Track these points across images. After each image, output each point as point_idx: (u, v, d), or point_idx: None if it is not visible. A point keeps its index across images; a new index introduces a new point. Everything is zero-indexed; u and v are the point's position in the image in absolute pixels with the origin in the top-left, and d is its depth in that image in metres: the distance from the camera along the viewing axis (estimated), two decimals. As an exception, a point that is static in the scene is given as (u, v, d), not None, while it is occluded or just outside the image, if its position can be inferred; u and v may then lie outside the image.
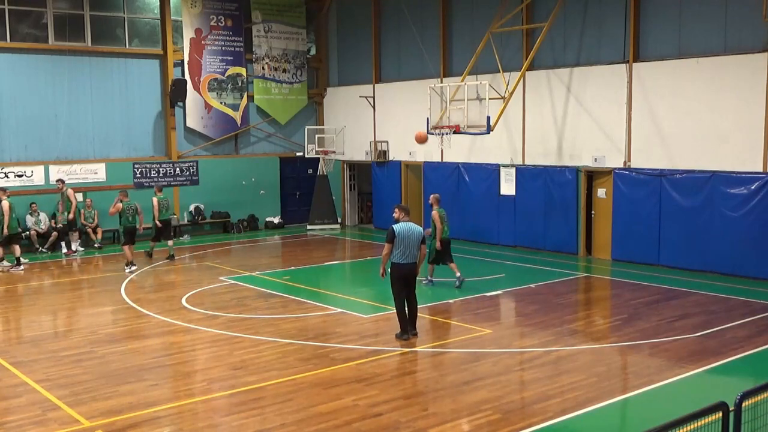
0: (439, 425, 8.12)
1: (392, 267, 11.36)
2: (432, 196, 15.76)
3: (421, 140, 13.57)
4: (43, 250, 20.17)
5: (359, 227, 25.38)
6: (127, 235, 17.70)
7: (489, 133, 17.68)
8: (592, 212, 18.73)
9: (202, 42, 23.29)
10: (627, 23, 17.53)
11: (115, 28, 22.04)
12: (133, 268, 17.52)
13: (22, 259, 18.10)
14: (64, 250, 20.13)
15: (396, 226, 11.34)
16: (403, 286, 11.40)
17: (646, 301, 13.97)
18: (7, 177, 20.28)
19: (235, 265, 18.22)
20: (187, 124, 23.32)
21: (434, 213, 15.21)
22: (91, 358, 10.77)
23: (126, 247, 17.65)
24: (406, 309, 11.51)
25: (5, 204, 17.42)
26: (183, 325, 12.56)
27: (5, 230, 17.47)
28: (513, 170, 20.09)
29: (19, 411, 8.71)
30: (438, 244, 15.04)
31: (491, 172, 20.59)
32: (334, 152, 24.70)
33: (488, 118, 17.25)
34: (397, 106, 23.32)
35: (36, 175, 20.72)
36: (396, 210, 11.81)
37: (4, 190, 17.92)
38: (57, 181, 20.43)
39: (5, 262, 17.88)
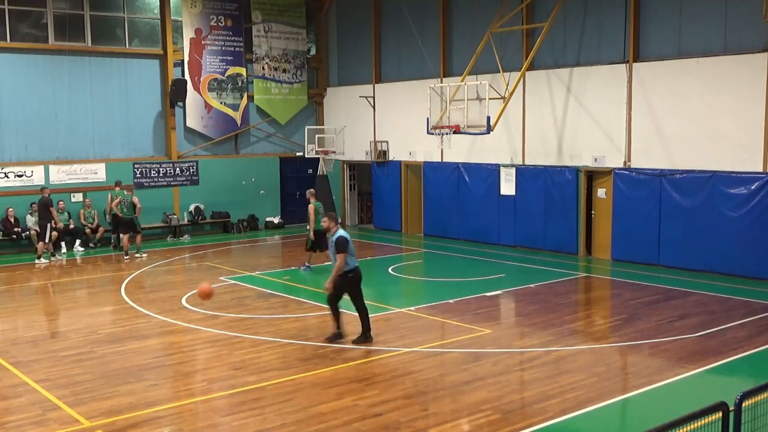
0: (439, 425, 8.12)
1: (350, 273, 11.23)
2: (308, 191, 17.77)
3: (205, 295, 11.89)
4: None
5: (359, 227, 25.38)
6: (120, 226, 19.64)
7: (489, 133, 17.68)
8: (592, 212, 18.73)
9: (202, 42, 23.30)
10: (627, 23, 17.53)
11: (115, 28, 22.04)
12: (126, 258, 19.19)
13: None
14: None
15: (344, 235, 11.18)
16: (357, 289, 11.39)
17: (646, 301, 13.97)
18: (7, 177, 20.28)
19: (235, 265, 18.22)
20: (187, 124, 23.32)
21: (310, 206, 16.94)
22: (91, 358, 10.77)
23: (122, 237, 19.58)
24: (356, 313, 11.49)
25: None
26: (183, 325, 12.56)
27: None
28: (513, 170, 20.09)
29: (19, 411, 8.72)
30: (311, 234, 16.90)
31: (491, 172, 20.59)
32: (334, 152, 24.68)
33: (488, 118, 17.25)
34: (397, 106, 23.32)
35: (36, 175, 20.71)
36: (327, 220, 11.50)
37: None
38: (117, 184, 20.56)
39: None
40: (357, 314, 11.45)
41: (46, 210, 18.93)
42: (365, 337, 11.31)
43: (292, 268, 17.82)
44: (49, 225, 18.95)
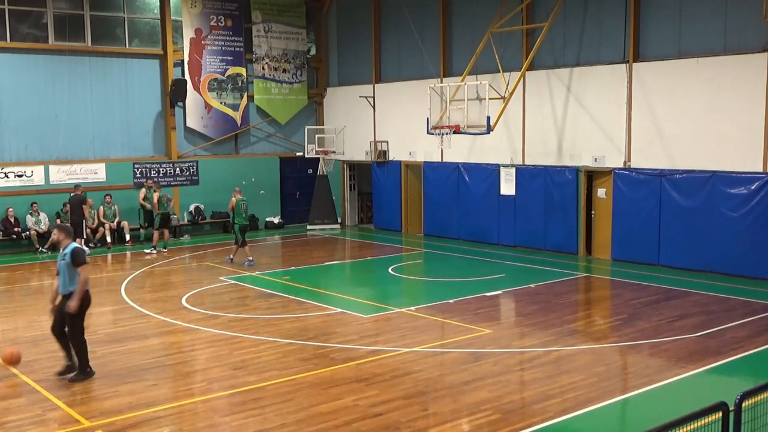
0: (439, 425, 8.12)
1: (87, 294, 9.76)
2: (234, 189, 19.10)
3: (10, 361, 10.09)
4: (43, 250, 20.18)
5: (359, 227, 25.38)
6: (161, 221, 20.51)
7: (489, 133, 17.69)
8: (592, 212, 18.73)
9: (202, 42, 23.29)
10: (627, 23, 17.53)
11: (115, 28, 22.04)
12: (153, 252, 20.00)
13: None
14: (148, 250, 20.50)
15: (81, 246, 9.85)
16: (83, 313, 9.75)
17: (646, 301, 13.97)
18: (7, 177, 20.28)
19: (235, 265, 18.22)
20: (187, 124, 23.32)
21: (232, 200, 18.38)
22: (91, 358, 10.73)
23: (163, 232, 20.50)
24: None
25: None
26: (183, 325, 12.56)
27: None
28: (513, 170, 20.09)
29: (19, 411, 8.71)
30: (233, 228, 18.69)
31: (491, 172, 20.59)
32: (334, 152, 24.70)
33: (488, 118, 17.25)
34: (397, 106, 23.32)
35: (36, 175, 20.72)
36: (57, 232, 10.09)
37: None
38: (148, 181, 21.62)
39: None
40: (71, 345, 9.71)
41: (79, 207, 19.50)
42: (83, 373, 9.71)
43: (292, 268, 17.83)
44: (83, 222, 19.65)
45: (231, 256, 18.58)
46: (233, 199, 18.41)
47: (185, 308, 13.74)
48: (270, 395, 9.10)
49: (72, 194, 19.74)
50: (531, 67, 19.12)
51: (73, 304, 9.49)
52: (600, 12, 18.20)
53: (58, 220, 20.56)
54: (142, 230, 21.74)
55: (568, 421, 8.22)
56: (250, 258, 18.27)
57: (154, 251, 20.04)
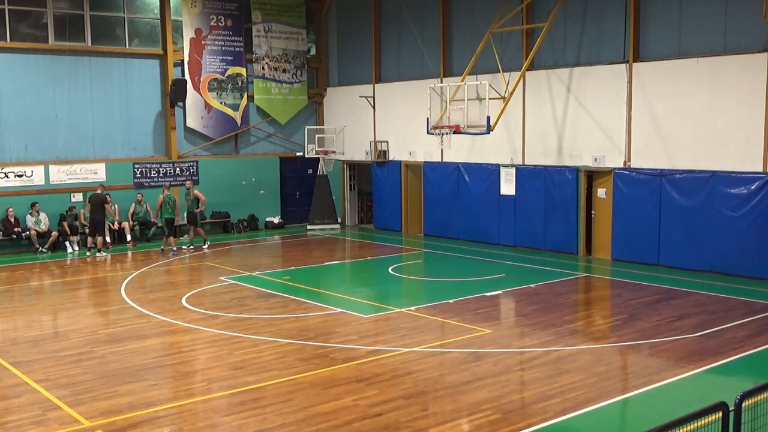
0: (439, 425, 8.12)
1: None
2: (164, 185, 20.53)
3: None
4: (43, 250, 20.17)
5: (359, 227, 25.38)
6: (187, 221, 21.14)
7: (489, 133, 17.69)
8: (592, 212, 18.73)
9: (202, 42, 23.29)
10: (627, 23, 17.53)
11: (115, 28, 22.04)
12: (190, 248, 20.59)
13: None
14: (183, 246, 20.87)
15: None
16: None
17: (646, 301, 13.97)
18: (7, 177, 20.28)
19: (235, 265, 18.23)
20: (187, 124, 23.32)
21: (160, 197, 19.89)
22: (91, 358, 10.77)
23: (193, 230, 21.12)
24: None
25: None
26: (183, 325, 12.56)
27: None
28: (513, 170, 20.09)
29: (19, 411, 8.72)
30: (159, 222, 20.50)
31: (491, 172, 20.59)
32: (334, 152, 24.70)
33: (488, 118, 17.25)
34: (397, 106, 23.32)
35: (36, 175, 20.71)
36: None
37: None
38: (186, 182, 21.84)
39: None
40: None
41: (100, 206, 19.76)
42: None
43: (292, 268, 17.82)
44: (104, 220, 20.06)
45: (174, 249, 19.83)
46: (160, 196, 19.90)
47: (185, 308, 13.74)
48: (270, 395, 9.10)
49: (92, 193, 19.95)
50: (531, 67, 19.12)
51: None
52: (600, 12, 18.20)
53: (64, 222, 20.58)
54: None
55: (568, 421, 8.22)
56: (174, 249, 19.86)
57: (191, 247, 20.69)
